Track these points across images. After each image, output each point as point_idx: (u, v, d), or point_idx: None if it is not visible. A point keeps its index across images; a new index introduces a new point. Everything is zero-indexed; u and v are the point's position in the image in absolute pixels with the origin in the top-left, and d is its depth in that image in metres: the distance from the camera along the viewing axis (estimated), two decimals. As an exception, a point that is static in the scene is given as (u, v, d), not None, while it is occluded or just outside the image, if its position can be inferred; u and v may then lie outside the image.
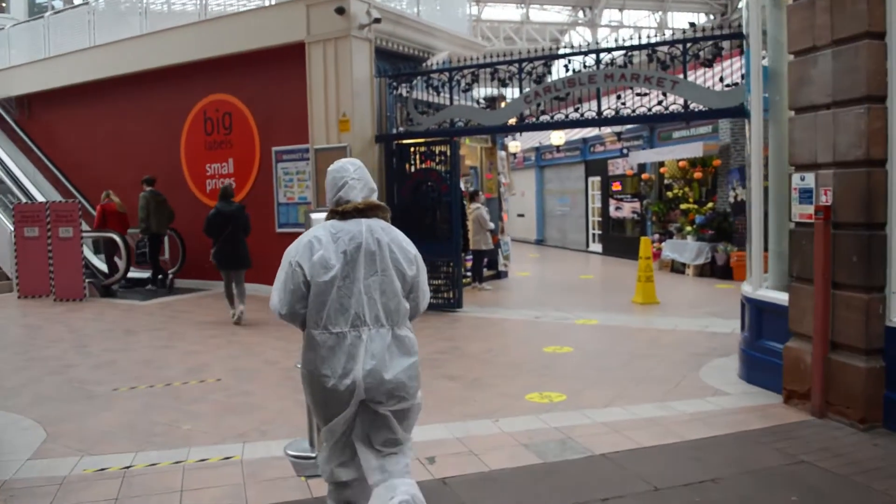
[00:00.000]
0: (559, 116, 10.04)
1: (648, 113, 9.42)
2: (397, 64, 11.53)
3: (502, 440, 4.90)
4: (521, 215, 24.86)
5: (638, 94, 9.52)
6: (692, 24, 9.50)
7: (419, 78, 11.15)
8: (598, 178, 20.72)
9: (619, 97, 9.58)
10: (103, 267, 13.62)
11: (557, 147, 21.82)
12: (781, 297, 5.90)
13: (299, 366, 3.37)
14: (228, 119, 12.93)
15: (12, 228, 12.72)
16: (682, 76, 9.13)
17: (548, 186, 24.36)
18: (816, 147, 5.28)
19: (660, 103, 9.32)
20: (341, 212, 3.29)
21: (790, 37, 5.63)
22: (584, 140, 20.96)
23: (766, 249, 6.53)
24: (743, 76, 8.85)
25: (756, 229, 6.30)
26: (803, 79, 5.42)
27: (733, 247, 14.32)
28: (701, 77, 9.61)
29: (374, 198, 3.39)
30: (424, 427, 5.18)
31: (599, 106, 9.67)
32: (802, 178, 5.39)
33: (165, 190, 13.47)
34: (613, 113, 9.58)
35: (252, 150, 12.64)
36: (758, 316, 6.18)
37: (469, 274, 12.96)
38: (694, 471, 4.32)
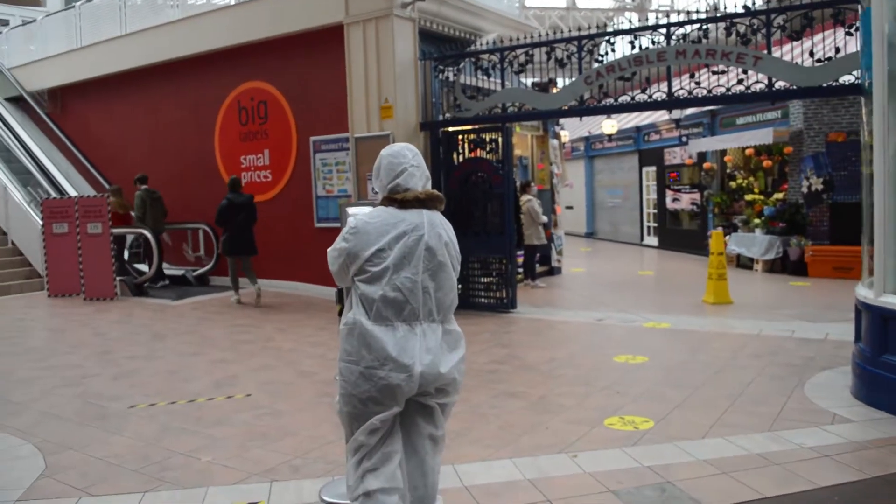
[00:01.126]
0: (624, 99, 9.03)
1: (727, 93, 8.38)
2: (442, 47, 10.62)
3: (585, 484, 3.98)
4: (569, 207, 23.79)
5: (714, 73, 8.51)
6: (746, 8, 8.44)
7: (467, 60, 10.24)
8: (653, 168, 19.60)
9: (692, 76, 8.56)
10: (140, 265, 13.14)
11: (609, 136, 20.74)
12: (915, 305, 4.90)
13: (339, 378, 3.05)
14: (263, 108, 12.17)
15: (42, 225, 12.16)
16: (765, 52, 8.10)
17: (598, 177, 23.28)
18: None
19: (740, 82, 8.29)
20: (400, 200, 3.04)
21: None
22: (638, 128, 19.87)
23: (871, 244, 5.52)
24: (837, 50, 7.82)
25: (880, 223, 5.27)
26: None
27: (808, 241, 13.17)
28: (787, 53, 8.57)
29: (429, 185, 3.20)
30: (490, 462, 4.32)
31: (670, 87, 8.67)
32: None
33: (201, 183, 12.85)
34: (686, 94, 8.57)
35: (289, 141, 11.86)
36: (882, 326, 5.16)
37: (521, 271, 12.04)
38: (840, 534, 3.38)
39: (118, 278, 11.72)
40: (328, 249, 3.14)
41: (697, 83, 8.48)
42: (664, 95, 8.68)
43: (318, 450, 4.65)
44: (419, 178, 3.11)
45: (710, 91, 8.41)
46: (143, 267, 13.01)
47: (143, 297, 11.70)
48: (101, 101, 14.86)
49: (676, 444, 4.58)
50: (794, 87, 7.98)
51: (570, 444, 4.62)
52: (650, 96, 8.77)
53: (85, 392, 6.25)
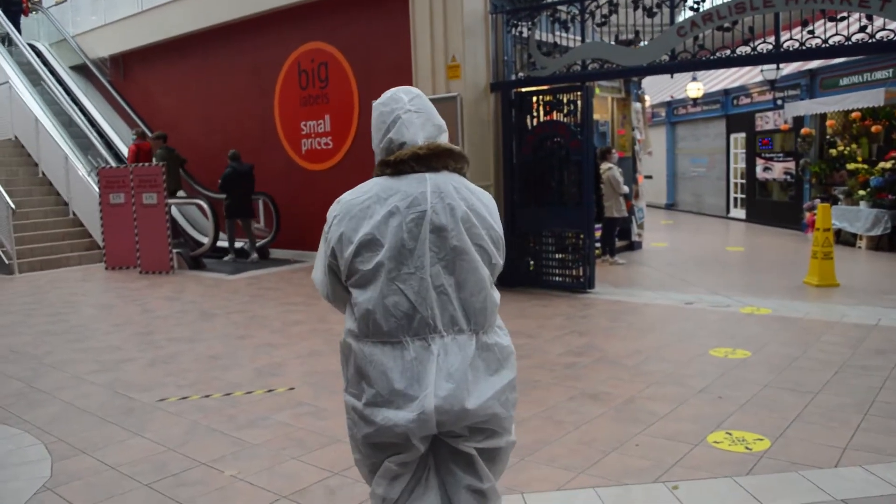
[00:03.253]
0: (724, 53, 7.92)
1: (847, 44, 7.22)
2: (514, 0, 9.65)
3: (692, 531, 3.14)
4: (648, 177, 22.45)
5: (830, 20, 7.34)
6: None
7: (543, 13, 9.25)
8: (742, 135, 18.17)
9: (804, 24, 7.42)
10: (200, 237, 12.74)
11: (694, 100, 19.37)
12: None
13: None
14: (324, 70, 11.45)
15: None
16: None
17: (680, 145, 21.88)
18: None
19: (863, 29, 7.12)
20: (393, 162, 2.17)
21: None
22: (726, 91, 18.45)
23: None
24: None
25: None
26: None
27: (921, 215, 11.79)
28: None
29: (444, 140, 2.27)
30: (569, 493, 3.50)
31: (778, 37, 7.54)
32: None
33: (260, 150, 12.32)
34: (798, 45, 7.43)
35: (350, 105, 11.13)
36: None
37: (598, 246, 11.07)
38: None
39: (174, 251, 11.26)
40: (312, 275, 2.40)
41: (811, 32, 7.33)
42: (771, 47, 7.56)
43: (361, 466, 3.90)
44: (419, 127, 2.22)
45: (825, 41, 7.25)
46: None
47: (199, 271, 11.23)
48: (161, 67, 14.43)
49: (802, 473, 3.65)
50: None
51: (667, 468, 3.75)
52: (754, 49, 7.66)
53: (116, 380, 5.68)
